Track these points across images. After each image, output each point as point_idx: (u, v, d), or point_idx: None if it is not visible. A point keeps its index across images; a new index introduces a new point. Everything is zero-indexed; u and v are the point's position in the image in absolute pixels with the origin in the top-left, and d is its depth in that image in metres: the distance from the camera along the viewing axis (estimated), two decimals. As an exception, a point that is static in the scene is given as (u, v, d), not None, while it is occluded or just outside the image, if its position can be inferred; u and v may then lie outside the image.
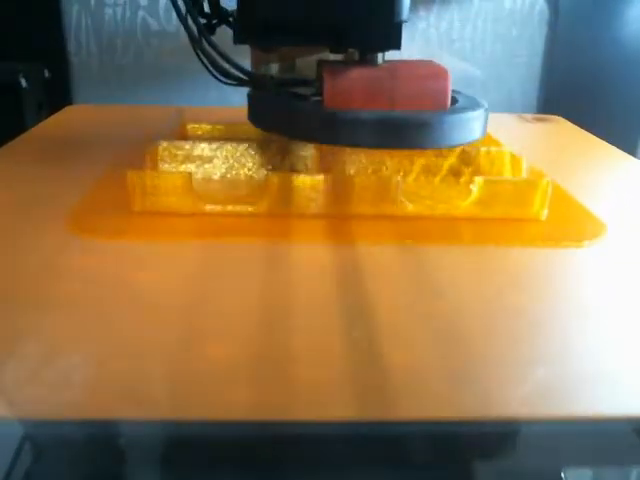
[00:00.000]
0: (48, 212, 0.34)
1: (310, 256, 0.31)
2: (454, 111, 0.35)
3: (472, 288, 0.28)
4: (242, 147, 0.38)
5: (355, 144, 0.35)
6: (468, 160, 0.39)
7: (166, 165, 0.38)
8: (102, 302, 0.26)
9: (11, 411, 0.20)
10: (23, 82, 0.69)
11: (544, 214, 0.35)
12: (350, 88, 0.35)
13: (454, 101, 0.37)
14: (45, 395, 0.21)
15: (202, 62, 0.36)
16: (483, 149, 0.39)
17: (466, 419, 0.21)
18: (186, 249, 0.31)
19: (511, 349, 0.24)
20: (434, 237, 0.33)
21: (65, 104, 0.74)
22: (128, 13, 0.74)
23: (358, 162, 0.39)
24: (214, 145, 0.38)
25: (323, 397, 0.21)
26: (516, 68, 0.79)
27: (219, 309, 0.26)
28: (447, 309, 0.27)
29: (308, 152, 0.38)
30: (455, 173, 0.39)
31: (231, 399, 0.21)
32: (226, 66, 0.36)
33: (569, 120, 0.60)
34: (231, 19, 0.39)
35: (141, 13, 0.74)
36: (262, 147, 0.38)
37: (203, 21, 0.38)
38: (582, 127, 0.57)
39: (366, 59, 0.36)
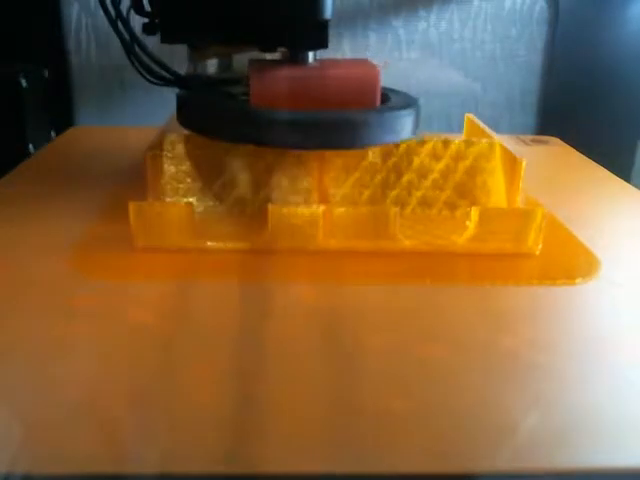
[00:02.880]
0: (50, 249, 0.35)
1: (306, 297, 0.32)
2: (381, 110, 0.35)
3: (467, 332, 0.29)
4: (243, 180, 0.39)
5: (276, 144, 0.35)
6: (464, 192, 0.40)
7: (168, 198, 0.38)
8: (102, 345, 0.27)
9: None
10: (23, 82, 0.69)
11: (538, 249, 0.36)
12: (276, 87, 0.35)
13: (386, 99, 0.37)
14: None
15: (132, 64, 0.37)
16: (479, 179, 0.40)
17: (458, 472, 0.22)
18: (188, 290, 0.32)
19: (505, 398, 0.25)
20: (430, 275, 0.34)
21: (65, 104, 0.75)
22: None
23: (357, 196, 0.39)
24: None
25: (310, 448, 0.22)
26: (516, 68, 0.79)
27: (211, 355, 0.27)
28: (441, 354, 0.27)
29: (306, 185, 0.38)
30: (452, 206, 0.40)
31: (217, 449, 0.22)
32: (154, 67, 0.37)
33: (569, 121, 0.60)
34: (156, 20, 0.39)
35: (141, 13, 0.74)
36: (261, 180, 0.39)
37: (145, 20, 0.38)
38: (582, 129, 0.57)
39: (297, 58, 0.37)
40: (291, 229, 0.34)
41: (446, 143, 0.39)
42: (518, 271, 0.35)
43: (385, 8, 0.76)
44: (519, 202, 0.38)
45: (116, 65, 0.75)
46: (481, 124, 0.46)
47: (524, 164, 0.37)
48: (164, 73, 0.37)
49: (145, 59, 0.37)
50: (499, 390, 0.25)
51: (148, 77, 0.38)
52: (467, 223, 0.35)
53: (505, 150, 0.39)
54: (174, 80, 0.38)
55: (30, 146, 0.70)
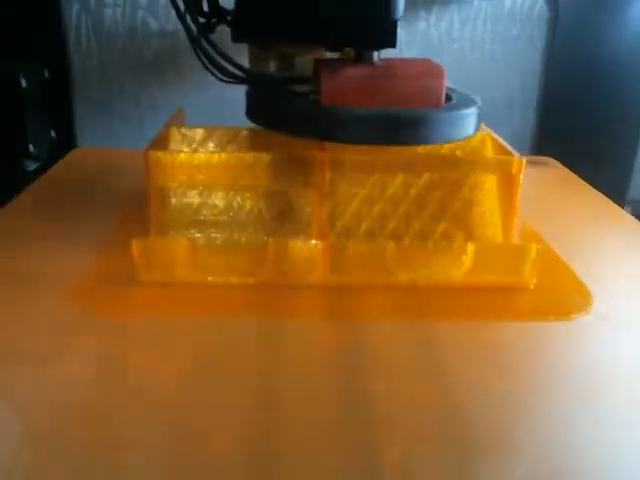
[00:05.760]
0: (53, 283, 0.36)
1: (305, 335, 0.33)
2: (448, 108, 0.37)
3: (461, 373, 0.30)
4: (244, 211, 0.39)
5: (351, 141, 0.36)
6: (461, 222, 0.40)
7: (170, 231, 0.39)
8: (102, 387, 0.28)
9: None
10: (23, 82, 0.69)
11: (533, 282, 0.37)
12: (346, 86, 0.36)
13: (448, 98, 0.38)
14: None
15: (201, 60, 0.38)
16: (476, 209, 0.40)
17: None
18: (188, 326, 0.33)
19: (500, 447, 0.26)
20: (426, 311, 0.35)
21: (65, 104, 0.75)
22: (128, 13, 0.74)
23: (356, 228, 0.40)
24: (216, 210, 0.39)
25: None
26: (516, 68, 0.79)
27: (214, 398, 0.28)
28: (434, 397, 0.28)
29: (305, 216, 0.39)
30: (448, 237, 0.41)
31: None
32: (224, 64, 0.37)
33: (569, 121, 0.59)
34: (229, 18, 0.40)
35: (141, 13, 0.74)
36: (261, 210, 0.39)
37: (202, 20, 0.39)
38: (581, 128, 0.57)
39: (362, 57, 0.37)
40: (291, 264, 0.35)
41: (442, 176, 0.40)
42: (512, 306, 0.36)
43: (385, 8, 0.76)
44: (515, 225, 0.38)
45: (116, 65, 0.76)
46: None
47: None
48: (236, 71, 0.37)
49: (215, 57, 0.37)
50: (495, 434, 0.26)
51: (218, 75, 0.38)
52: (463, 258, 0.36)
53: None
54: (246, 78, 0.38)
55: (30, 146, 0.71)
